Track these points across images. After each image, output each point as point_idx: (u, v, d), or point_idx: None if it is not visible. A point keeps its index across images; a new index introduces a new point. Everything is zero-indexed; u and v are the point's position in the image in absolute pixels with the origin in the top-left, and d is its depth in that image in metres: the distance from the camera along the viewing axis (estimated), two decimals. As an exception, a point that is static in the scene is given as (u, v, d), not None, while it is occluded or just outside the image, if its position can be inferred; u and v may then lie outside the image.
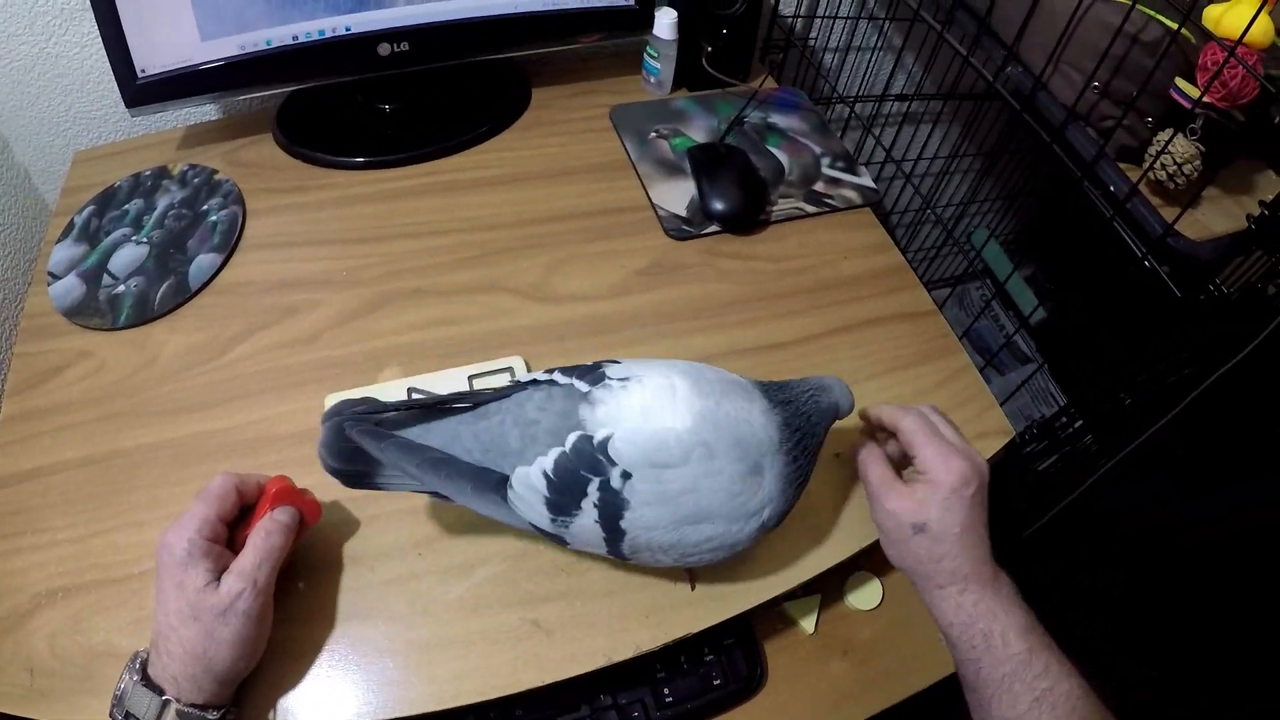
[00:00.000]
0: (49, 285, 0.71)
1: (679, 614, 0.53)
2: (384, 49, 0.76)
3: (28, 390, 0.64)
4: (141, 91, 0.74)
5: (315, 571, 0.54)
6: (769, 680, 0.64)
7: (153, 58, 0.73)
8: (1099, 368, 0.96)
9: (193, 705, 0.44)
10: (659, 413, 0.43)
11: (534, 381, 0.48)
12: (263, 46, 0.74)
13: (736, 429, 0.44)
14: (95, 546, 0.55)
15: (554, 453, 0.43)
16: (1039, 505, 1.10)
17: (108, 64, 0.84)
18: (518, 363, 0.63)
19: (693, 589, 0.55)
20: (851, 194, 0.79)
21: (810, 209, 0.78)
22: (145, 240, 0.73)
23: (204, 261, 0.71)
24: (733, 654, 0.62)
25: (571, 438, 0.43)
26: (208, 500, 0.48)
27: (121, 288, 0.69)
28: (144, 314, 0.68)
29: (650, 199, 0.77)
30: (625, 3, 0.80)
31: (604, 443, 0.43)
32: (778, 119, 0.86)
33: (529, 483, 0.44)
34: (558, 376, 0.47)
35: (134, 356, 0.66)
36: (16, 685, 0.50)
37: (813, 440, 0.48)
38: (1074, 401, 0.94)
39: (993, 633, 0.46)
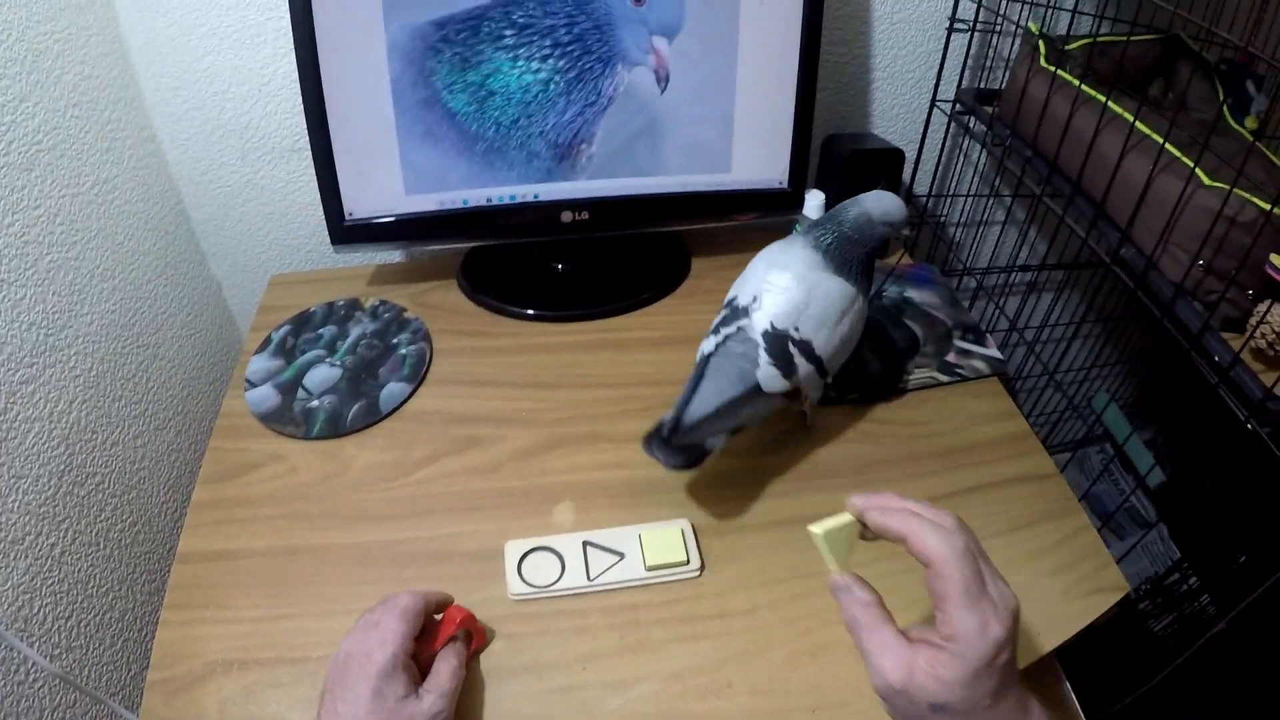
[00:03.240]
0: (246, 391, 0.78)
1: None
2: (566, 216, 0.86)
3: (220, 481, 0.70)
4: (348, 232, 0.83)
5: (494, 677, 0.56)
6: None
7: (360, 204, 0.82)
8: (1217, 528, 0.92)
9: None
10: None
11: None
12: (459, 205, 0.84)
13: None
14: (275, 628, 0.59)
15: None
16: (1141, 671, 1.03)
17: (307, 200, 0.96)
18: (684, 524, 0.66)
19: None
20: (980, 364, 0.85)
21: (943, 378, 0.83)
22: (339, 364, 0.80)
23: (394, 389, 0.77)
24: None
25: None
26: (407, 618, 0.52)
27: (315, 402, 0.76)
28: (336, 429, 0.74)
29: (798, 366, 0.84)
30: (779, 186, 0.90)
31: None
32: (913, 293, 0.93)
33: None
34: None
35: (325, 465, 0.71)
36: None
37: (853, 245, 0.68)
38: (1188, 557, 0.90)
39: None
